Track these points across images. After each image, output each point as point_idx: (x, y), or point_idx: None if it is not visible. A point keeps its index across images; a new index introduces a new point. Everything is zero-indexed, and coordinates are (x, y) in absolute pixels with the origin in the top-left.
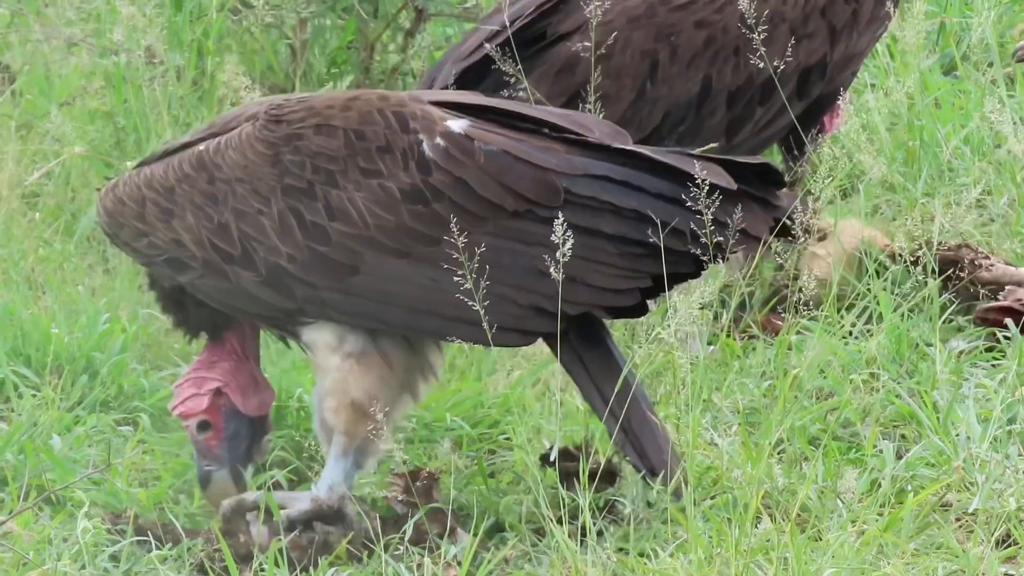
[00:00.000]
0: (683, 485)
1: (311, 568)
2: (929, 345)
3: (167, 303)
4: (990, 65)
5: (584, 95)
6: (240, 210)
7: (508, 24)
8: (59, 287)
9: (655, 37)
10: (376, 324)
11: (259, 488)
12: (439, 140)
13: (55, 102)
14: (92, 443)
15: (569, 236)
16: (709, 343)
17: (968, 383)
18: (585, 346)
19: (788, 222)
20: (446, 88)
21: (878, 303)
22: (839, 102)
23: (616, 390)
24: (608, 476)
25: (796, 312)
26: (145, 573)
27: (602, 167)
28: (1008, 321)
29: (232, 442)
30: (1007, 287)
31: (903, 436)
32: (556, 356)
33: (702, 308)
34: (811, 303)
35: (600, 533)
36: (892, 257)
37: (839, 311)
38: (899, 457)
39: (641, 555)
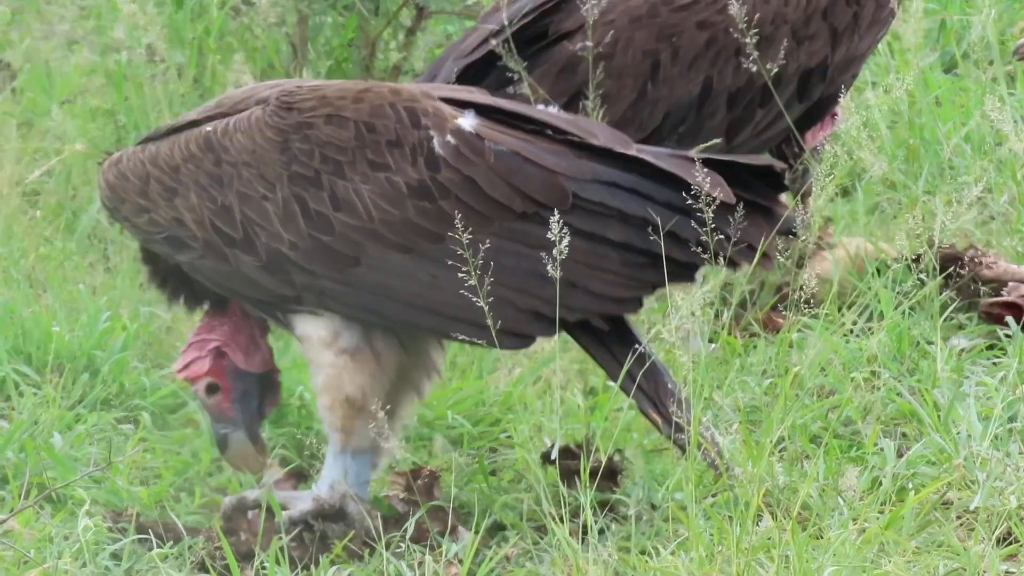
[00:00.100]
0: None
1: (312, 566)
2: (930, 343)
3: (164, 278)
4: (990, 63)
5: (585, 95)
6: (245, 194)
7: (507, 23)
8: (60, 285)
9: (657, 37)
10: (373, 318)
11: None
12: (450, 137)
13: (56, 100)
14: (93, 441)
15: (572, 240)
16: (710, 341)
17: (969, 381)
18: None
19: (790, 235)
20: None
21: (879, 301)
22: (837, 110)
23: (629, 356)
24: (609, 474)
25: (797, 310)
26: (146, 571)
27: (610, 173)
28: (1009, 319)
29: (243, 402)
30: (1011, 283)
31: (904, 434)
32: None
33: (703, 306)
34: (812, 301)
35: (601, 531)
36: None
37: (840, 309)
38: (900, 455)
39: (642, 553)
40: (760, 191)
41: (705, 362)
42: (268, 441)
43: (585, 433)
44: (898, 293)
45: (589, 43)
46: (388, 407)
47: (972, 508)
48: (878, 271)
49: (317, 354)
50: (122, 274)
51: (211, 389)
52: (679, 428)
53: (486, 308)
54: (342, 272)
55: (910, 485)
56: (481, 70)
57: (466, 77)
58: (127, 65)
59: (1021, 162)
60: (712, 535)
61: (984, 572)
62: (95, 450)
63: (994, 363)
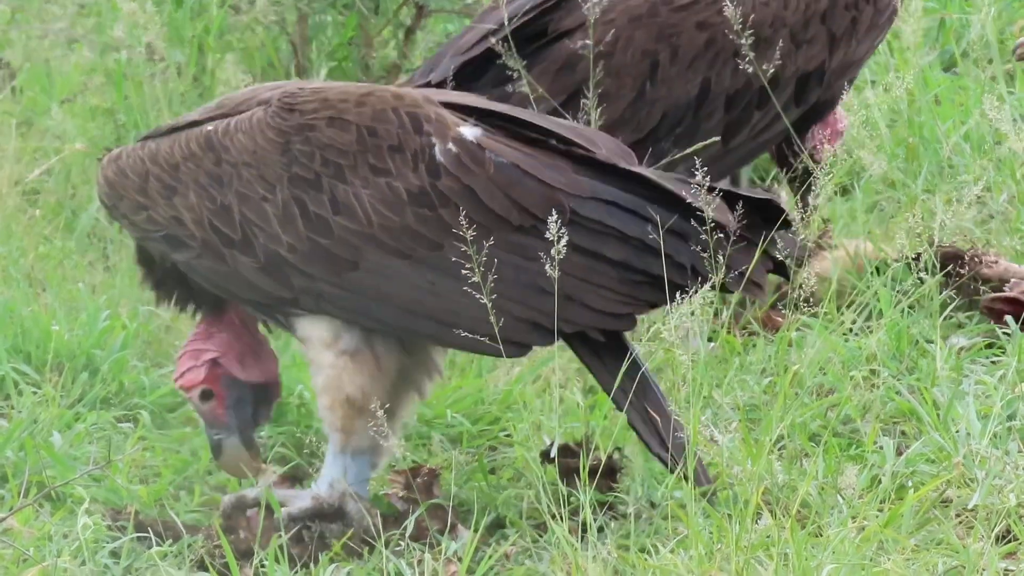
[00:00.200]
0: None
1: (311, 564)
2: (929, 342)
3: (160, 279)
4: (990, 62)
5: (584, 93)
6: (244, 194)
7: (507, 21)
8: (59, 284)
9: (656, 37)
10: (371, 322)
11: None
12: (451, 145)
13: (56, 99)
14: (92, 440)
15: (570, 254)
16: (709, 340)
17: (968, 379)
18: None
19: (787, 264)
20: (444, 81)
21: (878, 300)
22: (842, 125)
23: (624, 368)
24: (609, 472)
25: (796, 309)
26: (145, 569)
27: (610, 191)
28: (1008, 318)
29: (236, 408)
30: (1012, 280)
31: (903, 432)
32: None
33: (702, 304)
34: (811, 300)
35: (601, 529)
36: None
37: (839, 308)
38: (899, 453)
39: (642, 551)
40: (757, 221)
41: (704, 361)
42: (267, 440)
43: (584, 431)
44: (897, 292)
45: (589, 42)
46: (388, 406)
47: (971, 506)
48: (877, 270)
49: (318, 354)
50: (121, 273)
51: (205, 395)
52: (665, 446)
53: (492, 314)
54: (340, 276)
55: (909, 483)
56: (479, 67)
57: (464, 74)
58: (127, 64)
59: (1020, 161)
60: (711, 533)
61: (983, 570)
62: (94, 448)
63: (993, 362)
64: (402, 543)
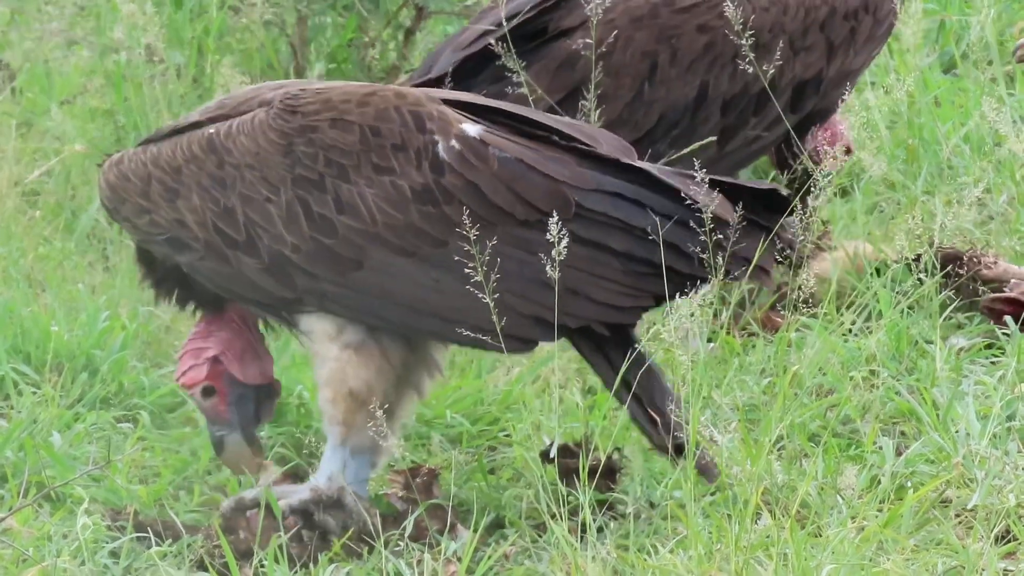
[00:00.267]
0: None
1: (311, 564)
2: (929, 342)
3: (160, 278)
4: (990, 63)
5: (583, 92)
6: (247, 196)
7: (505, 19)
8: (59, 285)
9: (656, 38)
10: (375, 320)
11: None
12: (454, 143)
13: (55, 100)
14: (92, 440)
15: (574, 248)
16: (709, 340)
17: (967, 380)
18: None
19: (789, 252)
20: (443, 76)
21: (878, 301)
22: (848, 140)
23: (628, 363)
24: (608, 473)
25: (796, 309)
26: (145, 569)
27: (614, 183)
28: (1007, 318)
29: (239, 405)
30: (1012, 280)
31: (903, 433)
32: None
33: (702, 305)
34: (811, 301)
35: (600, 529)
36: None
37: (839, 308)
38: (899, 454)
39: (641, 551)
40: (760, 211)
41: (704, 361)
42: (267, 440)
43: (584, 432)
44: (897, 293)
45: (591, 40)
46: (388, 405)
47: (970, 506)
48: (877, 271)
49: (322, 347)
50: (121, 274)
51: (207, 392)
52: (673, 434)
53: (493, 311)
54: (344, 275)
55: (909, 483)
56: (479, 63)
57: (463, 70)
58: (126, 65)
59: (1020, 162)
60: (711, 533)
61: (983, 570)
62: (94, 449)
63: (992, 362)
64: (401, 543)
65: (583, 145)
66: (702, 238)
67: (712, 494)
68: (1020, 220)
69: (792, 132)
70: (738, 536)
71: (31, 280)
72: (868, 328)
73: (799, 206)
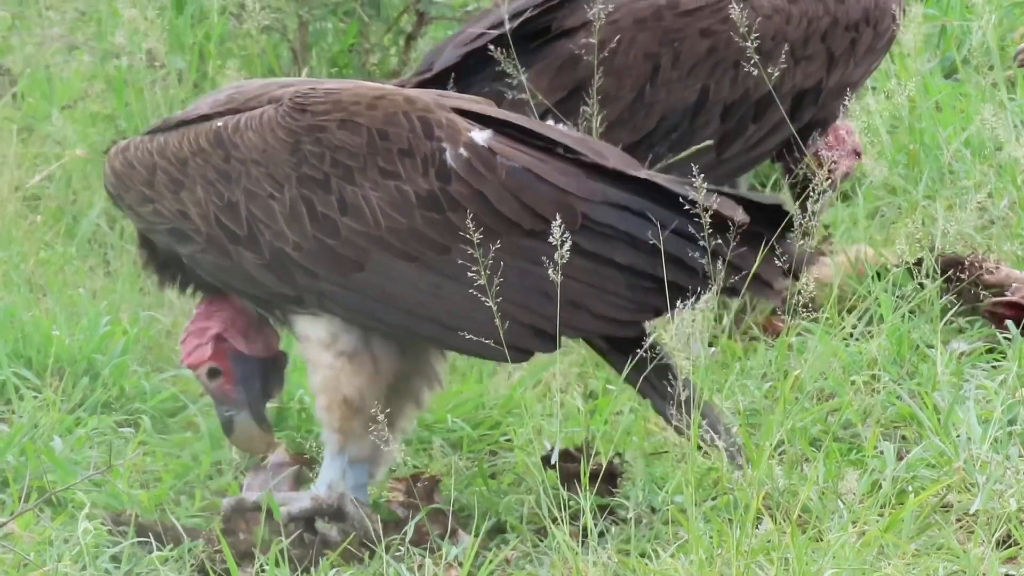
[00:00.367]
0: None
1: (312, 568)
2: (930, 347)
3: (161, 263)
4: (991, 68)
5: (584, 92)
6: (252, 191)
7: (507, 19)
8: (60, 289)
9: (659, 41)
10: (373, 323)
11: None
12: (462, 150)
13: (56, 105)
14: (93, 445)
15: (578, 260)
16: (710, 344)
17: (969, 384)
18: None
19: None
20: (446, 71)
21: (879, 305)
22: (856, 143)
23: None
24: (609, 477)
25: (797, 314)
26: (146, 574)
27: (621, 196)
28: (1009, 322)
29: (245, 383)
30: (1014, 284)
31: (904, 437)
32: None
33: (703, 310)
34: (812, 305)
35: (601, 534)
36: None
37: (840, 313)
38: (900, 458)
39: (642, 556)
40: (764, 225)
41: (705, 365)
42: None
43: (585, 436)
44: (898, 297)
45: (594, 40)
46: (386, 413)
47: (972, 511)
48: (878, 275)
49: (316, 354)
50: (122, 278)
51: (213, 373)
52: (672, 411)
53: (496, 315)
54: (345, 276)
55: (910, 488)
56: (480, 61)
57: (465, 67)
58: (127, 70)
59: (1021, 167)
60: (712, 538)
61: (984, 575)
62: (95, 453)
63: (994, 366)
64: (402, 548)
65: (588, 158)
66: (705, 248)
67: (713, 499)
68: (1021, 224)
69: (796, 136)
70: (739, 541)
71: (32, 285)
72: (869, 332)
73: (800, 210)
